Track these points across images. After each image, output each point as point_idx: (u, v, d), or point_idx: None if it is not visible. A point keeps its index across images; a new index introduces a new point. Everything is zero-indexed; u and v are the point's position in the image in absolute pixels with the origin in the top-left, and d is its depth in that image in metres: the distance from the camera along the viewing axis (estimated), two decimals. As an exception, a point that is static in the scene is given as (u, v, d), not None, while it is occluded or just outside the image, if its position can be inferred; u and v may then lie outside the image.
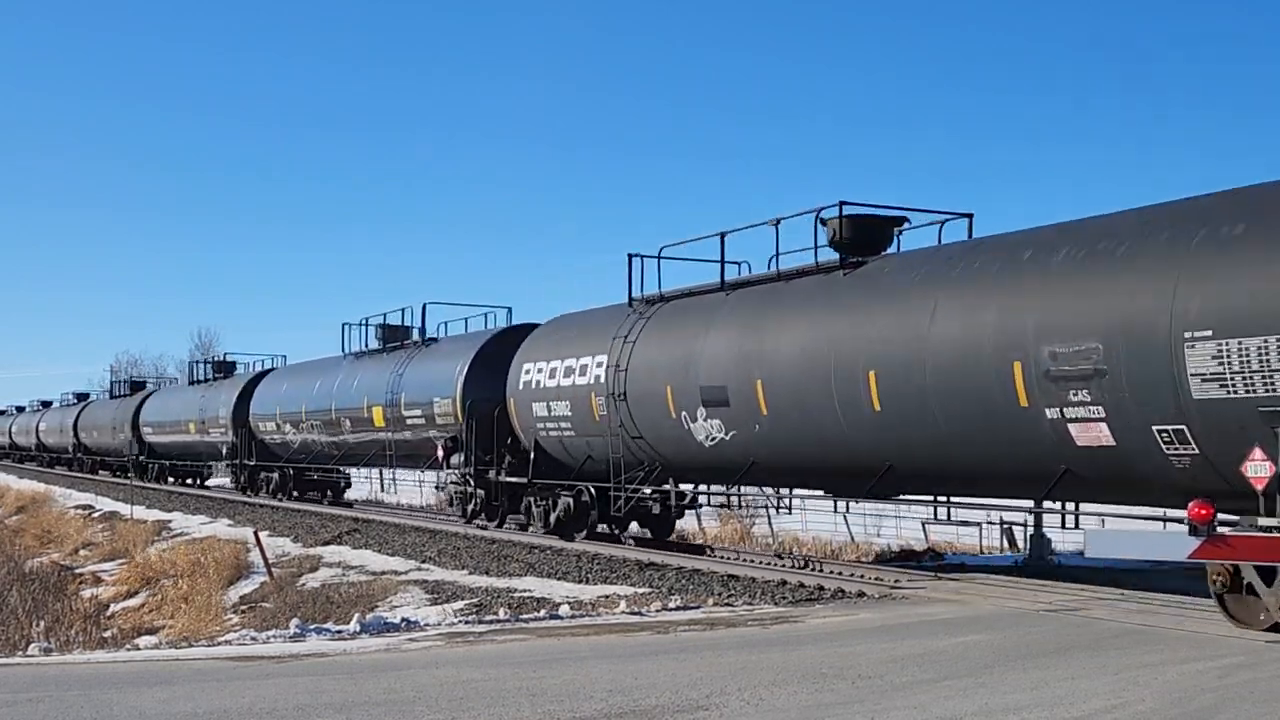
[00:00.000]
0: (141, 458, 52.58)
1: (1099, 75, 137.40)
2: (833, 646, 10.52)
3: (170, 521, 34.94)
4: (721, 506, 24.93)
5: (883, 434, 15.09)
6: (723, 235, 19.34)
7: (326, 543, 25.68)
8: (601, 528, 22.76)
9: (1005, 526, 26.18)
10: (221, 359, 48.91)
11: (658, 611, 13.27)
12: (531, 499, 23.61)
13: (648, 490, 20.68)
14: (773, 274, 18.04)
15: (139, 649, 12.53)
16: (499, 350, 24.97)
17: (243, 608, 21.11)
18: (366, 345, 32.48)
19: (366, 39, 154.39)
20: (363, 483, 43.57)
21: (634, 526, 23.66)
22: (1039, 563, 18.62)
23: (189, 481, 50.79)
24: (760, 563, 19.12)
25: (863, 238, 16.89)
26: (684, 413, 18.63)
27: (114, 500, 44.17)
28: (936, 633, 11.30)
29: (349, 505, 37.16)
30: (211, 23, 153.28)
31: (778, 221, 17.74)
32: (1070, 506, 14.81)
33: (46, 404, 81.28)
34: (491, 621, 12.88)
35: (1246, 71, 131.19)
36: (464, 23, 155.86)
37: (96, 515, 41.11)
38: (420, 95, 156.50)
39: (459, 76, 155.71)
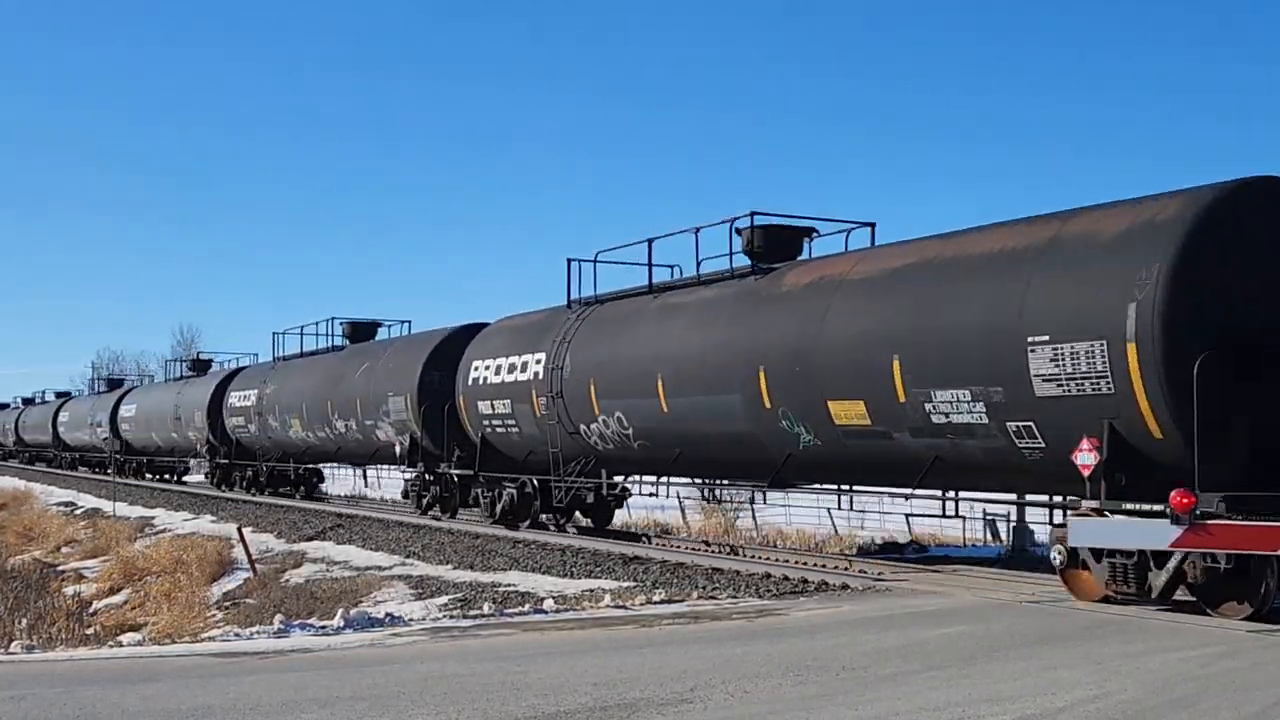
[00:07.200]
0: (223, 460, 40.09)
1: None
2: (817, 639, 10.55)
3: (153, 518, 34.80)
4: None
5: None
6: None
7: (310, 538, 25.61)
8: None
9: (989, 519, 26.29)
10: (366, 321, 33.13)
11: (642, 605, 13.27)
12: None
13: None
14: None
15: (122, 646, 12.47)
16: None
17: (226, 604, 21.06)
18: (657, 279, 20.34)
19: (346, 47, 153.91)
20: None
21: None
22: (1021, 555, 18.70)
23: (283, 490, 36.89)
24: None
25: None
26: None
27: (95, 497, 43.98)
28: (921, 624, 11.34)
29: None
30: (192, 26, 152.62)
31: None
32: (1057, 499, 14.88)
33: (64, 395, 71.68)
34: (476, 616, 12.88)
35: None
36: (427, 27, 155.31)
37: (78, 513, 40.94)
38: (398, 103, 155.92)
39: (436, 83, 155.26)
